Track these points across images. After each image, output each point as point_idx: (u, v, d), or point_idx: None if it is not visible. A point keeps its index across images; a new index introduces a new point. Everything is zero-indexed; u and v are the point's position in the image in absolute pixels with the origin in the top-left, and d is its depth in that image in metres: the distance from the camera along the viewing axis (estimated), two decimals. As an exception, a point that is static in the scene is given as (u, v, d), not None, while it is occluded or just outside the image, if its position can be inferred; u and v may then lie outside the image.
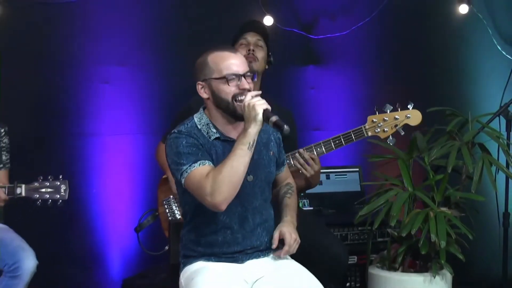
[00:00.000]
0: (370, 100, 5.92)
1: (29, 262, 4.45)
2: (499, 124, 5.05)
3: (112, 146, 5.61)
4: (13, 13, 5.27)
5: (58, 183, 4.43)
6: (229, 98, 3.75)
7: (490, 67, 6.20)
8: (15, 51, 5.29)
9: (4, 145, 4.75)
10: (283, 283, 3.84)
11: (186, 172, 3.70)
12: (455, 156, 4.90)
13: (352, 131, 4.60)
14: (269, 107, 3.64)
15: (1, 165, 4.75)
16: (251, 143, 3.63)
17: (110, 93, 5.58)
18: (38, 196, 4.43)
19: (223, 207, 3.65)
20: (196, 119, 3.87)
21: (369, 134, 4.57)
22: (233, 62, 3.79)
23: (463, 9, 6.16)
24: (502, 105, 5.02)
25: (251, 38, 4.70)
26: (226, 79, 3.75)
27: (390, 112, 4.54)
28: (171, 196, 5.03)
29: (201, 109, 3.93)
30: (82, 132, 5.53)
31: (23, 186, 4.44)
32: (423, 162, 5.04)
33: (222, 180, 3.60)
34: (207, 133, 3.82)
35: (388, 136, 4.56)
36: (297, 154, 4.42)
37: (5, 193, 4.44)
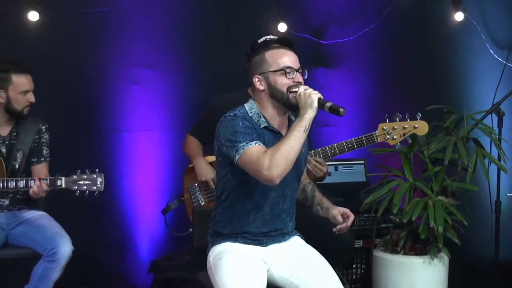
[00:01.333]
0: (374, 99, 5.94)
1: (65, 248, 4.45)
2: (492, 121, 5.06)
3: (141, 140, 5.63)
4: (52, 20, 5.29)
5: (95, 176, 4.45)
6: (284, 89, 3.80)
7: (483, 69, 6.20)
8: (55, 55, 5.32)
9: (45, 140, 4.78)
10: (298, 265, 3.88)
11: (243, 148, 3.71)
12: (451, 150, 4.94)
13: (364, 137, 4.61)
14: (322, 96, 3.73)
15: (42, 159, 4.77)
16: (307, 126, 3.69)
17: (139, 92, 5.60)
18: (76, 187, 4.45)
19: (278, 181, 3.67)
20: (247, 108, 3.91)
21: (379, 140, 4.58)
22: (288, 58, 3.86)
23: (459, 16, 6.17)
24: (494, 103, 5.03)
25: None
26: (284, 71, 3.80)
27: (399, 121, 4.54)
28: (196, 184, 5.04)
29: (250, 100, 3.96)
30: (115, 128, 5.55)
31: (63, 178, 4.47)
32: (423, 155, 5.07)
33: (281, 156, 3.63)
34: (257, 121, 3.85)
35: (397, 143, 4.58)
36: (309, 158, 4.44)
37: (46, 184, 4.46)
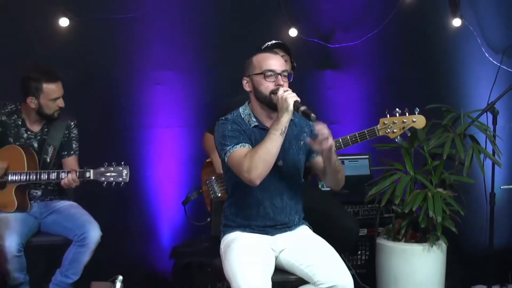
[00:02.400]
0: (377, 98, 5.93)
1: (94, 233, 4.50)
2: (487, 119, 5.05)
3: (163, 137, 5.64)
4: (81, 26, 5.32)
5: (121, 168, 4.47)
6: (267, 92, 3.81)
7: (479, 71, 6.18)
8: (84, 58, 5.34)
9: (74, 135, 4.81)
10: (306, 252, 3.88)
11: (229, 151, 3.78)
12: (449, 146, 4.94)
13: (367, 131, 4.61)
14: (298, 99, 3.69)
15: (72, 152, 4.81)
16: (283, 129, 3.68)
17: (162, 93, 5.61)
18: (104, 179, 4.47)
19: (258, 182, 3.69)
20: (241, 110, 3.96)
21: (380, 134, 4.58)
22: (271, 62, 3.87)
23: (457, 22, 6.16)
24: (489, 103, 5.02)
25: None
26: (264, 74, 3.81)
27: (399, 115, 4.54)
28: (213, 177, 5.07)
29: (246, 103, 4.00)
30: (139, 125, 5.57)
31: (91, 170, 4.49)
32: (423, 151, 5.07)
33: (258, 159, 3.66)
34: (248, 121, 3.89)
35: (397, 136, 4.58)
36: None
37: (76, 176, 4.49)
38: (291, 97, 3.69)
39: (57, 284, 4.52)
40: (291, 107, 3.69)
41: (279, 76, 3.84)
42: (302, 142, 4.00)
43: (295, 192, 4.02)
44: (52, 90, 4.58)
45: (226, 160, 3.82)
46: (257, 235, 3.95)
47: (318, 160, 4.00)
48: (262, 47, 4.76)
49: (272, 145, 3.69)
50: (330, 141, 3.67)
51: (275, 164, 3.81)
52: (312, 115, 3.61)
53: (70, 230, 4.54)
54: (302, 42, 5.76)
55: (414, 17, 6.05)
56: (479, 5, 6.23)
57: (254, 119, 3.91)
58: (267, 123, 3.90)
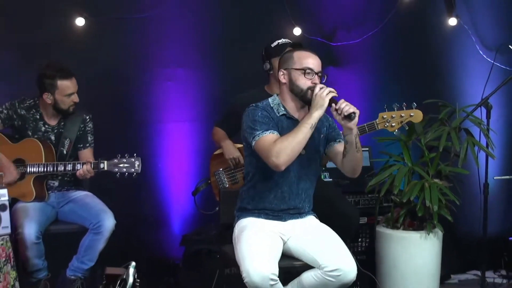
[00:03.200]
0: (377, 94, 5.92)
1: (109, 222, 4.49)
2: (481, 113, 5.05)
3: (173, 130, 5.64)
4: (96, 25, 5.31)
5: (133, 160, 4.47)
6: (304, 87, 3.87)
7: (473, 67, 6.18)
8: (99, 56, 5.34)
9: (89, 129, 4.81)
10: (312, 239, 3.92)
11: (258, 136, 3.82)
12: (445, 138, 4.95)
13: (366, 125, 4.62)
14: (336, 94, 3.78)
15: (87, 145, 4.81)
16: (313, 124, 3.77)
17: (172, 89, 5.60)
18: (117, 170, 4.47)
19: (283, 168, 3.76)
20: (270, 100, 4.00)
21: (379, 127, 4.58)
22: (312, 61, 3.91)
23: (452, 21, 6.15)
24: (483, 98, 5.01)
25: None
26: (304, 71, 3.83)
27: (397, 110, 4.54)
28: (221, 169, 5.06)
29: (275, 94, 4.05)
30: (151, 119, 5.57)
31: (105, 162, 4.49)
32: (420, 143, 5.08)
33: (287, 147, 3.72)
34: (277, 110, 3.94)
35: (395, 130, 4.57)
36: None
37: (91, 167, 4.49)
38: (328, 96, 3.76)
39: (73, 269, 4.53)
40: (325, 105, 3.76)
41: (315, 75, 3.88)
42: (322, 135, 4.04)
43: (311, 181, 4.08)
44: (66, 86, 4.58)
45: (253, 144, 3.85)
46: (269, 221, 3.97)
47: (336, 147, 4.05)
48: (272, 45, 4.76)
49: (302, 136, 3.76)
50: (351, 108, 3.73)
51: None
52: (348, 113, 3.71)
53: (86, 219, 4.55)
54: (305, 40, 5.74)
55: (412, 17, 6.04)
56: (474, 5, 6.24)
57: (283, 109, 3.96)
58: (295, 114, 3.98)
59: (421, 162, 5.11)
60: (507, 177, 5.52)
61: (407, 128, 4.67)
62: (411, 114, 4.53)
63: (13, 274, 4.01)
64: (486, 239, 5.05)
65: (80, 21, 5.25)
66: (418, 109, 4.57)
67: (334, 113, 3.78)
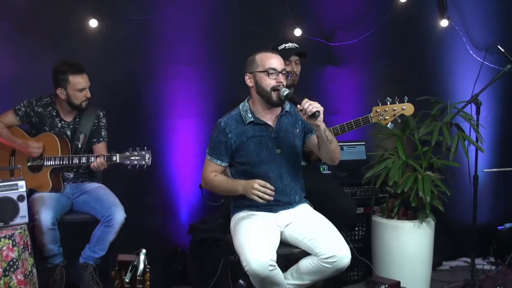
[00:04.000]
0: (373, 91, 5.92)
1: (119, 216, 4.52)
2: (471, 109, 5.05)
3: (181, 126, 5.63)
4: (108, 26, 5.31)
5: (144, 153, 4.49)
6: (269, 88, 3.84)
7: (464, 66, 6.18)
8: (111, 55, 5.34)
9: (102, 124, 4.84)
10: (307, 227, 3.93)
11: (207, 155, 4.07)
12: (437, 133, 4.96)
13: (361, 119, 4.62)
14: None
15: (101, 139, 4.83)
16: (235, 192, 3.98)
17: (180, 87, 5.60)
18: (128, 162, 4.50)
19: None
20: (240, 106, 4.02)
21: (373, 121, 4.58)
22: (273, 61, 3.90)
23: (444, 23, 6.16)
24: (473, 95, 5.01)
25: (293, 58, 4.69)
26: (267, 72, 3.81)
27: (390, 104, 4.54)
28: (226, 163, 5.08)
29: (246, 99, 4.03)
30: (161, 115, 5.57)
31: (118, 155, 4.51)
32: (413, 138, 5.08)
33: (213, 186, 4.09)
34: (245, 117, 3.95)
35: (388, 123, 4.57)
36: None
37: (104, 160, 4.51)
38: (252, 195, 3.82)
39: (85, 258, 4.56)
40: (250, 195, 3.84)
41: (280, 74, 3.86)
42: (297, 130, 4.03)
43: (295, 175, 4.06)
44: (78, 82, 4.60)
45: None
46: (262, 213, 3.99)
47: (313, 138, 4.02)
48: (279, 48, 4.76)
49: (223, 191, 4.07)
50: (314, 107, 3.70)
51: (275, 152, 3.91)
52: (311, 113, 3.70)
53: (98, 211, 4.58)
54: (306, 40, 5.75)
55: (406, 19, 6.05)
56: (464, 8, 6.24)
57: (250, 115, 3.96)
58: (263, 117, 3.98)
59: (415, 155, 5.12)
60: (496, 169, 5.52)
61: (399, 121, 4.67)
62: (403, 107, 4.54)
63: (31, 261, 4.03)
64: (475, 228, 5.06)
65: (93, 23, 5.25)
66: (411, 103, 4.57)
67: (300, 113, 3.76)
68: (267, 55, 3.92)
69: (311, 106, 3.68)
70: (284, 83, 3.90)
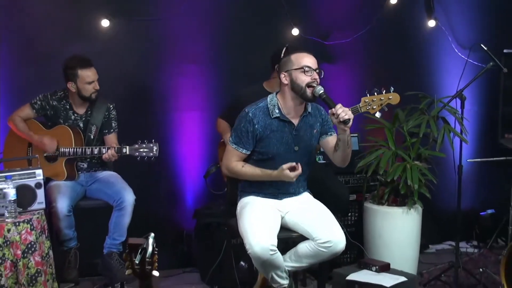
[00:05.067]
0: (365, 86, 5.75)
1: (129, 197, 4.53)
2: (456, 104, 5.04)
3: (187, 119, 5.63)
4: (119, 26, 5.30)
5: (152, 145, 4.47)
6: (303, 84, 3.84)
7: (450, 63, 6.16)
8: (122, 53, 5.34)
9: (113, 116, 4.83)
10: (306, 213, 3.94)
11: (230, 142, 3.96)
12: (425, 126, 4.97)
13: (351, 109, 4.58)
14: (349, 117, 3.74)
15: (112, 130, 4.83)
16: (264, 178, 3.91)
17: (185, 82, 5.59)
18: (137, 154, 4.48)
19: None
20: (268, 99, 3.98)
21: (362, 110, 4.56)
22: (308, 59, 3.90)
23: (431, 23, 6.13)
24: (458, 90, 5.00)
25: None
26: (303, 69, 3.80)
27: (377, 94, 4.52)
28: (228, 154, 5.07)
29: (274, 93, 4.03)
30: (167, 109, 5.57)
31: (127, 147, 4.50)
32: (403, 130, 5.08)
33: (238, 174, 3.99)
34: (272, 111, 3.91)
35: (376, 112, 4.55)
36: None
37: (115, 151, 4.51)
38: (293, 179, 3.81)
39: (108, 247, 4.55)
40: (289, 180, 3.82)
41: (314, 72, 3.86)
42: (315, 130, 4.03)
43: (306, 170, 4.06)
44: (86, 75, 4.60)
45: (229, 141, 4.00)
46: (267, 199, 3.99)
47: (328, 140, 4.04)
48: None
49: (251, 177, 3.96)
50: (347, 114, 3.70)
51: (293, 149, 3.93)
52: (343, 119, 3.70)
53: (110, 196, 4.58)
54: (302, 39, 5.74)
55: (396, 19, 6.02)
56: (450, 9, 6.21)
57: (277, 111, 3.93)
58: (290, 115, 3.95)
59: (404, 146, 5.11)
60: (479, 159, 5.52)
61: (386, 109, 4.62)
62: (390, 97, 4.50)
63: (47, 243, 4.03)
64: (460, 214, 5.05)
65: (105, 23, 5.24)
66: (396, 93, 4.55)
67: (331, 116, 3.74)
68: (302, 55, 3.92)
69: (345, 113, 3.68)
70: (318, 80, 3.89)
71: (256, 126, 3.90)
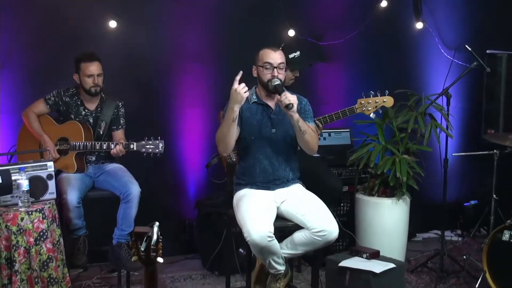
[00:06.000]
0: (357, 85, 5.88)
1: (135, 189, 4.52)
2: (442, 101, 5.05)
3: (189, 115, 5.63)
4: (126, 27, 5.30)
5: (157, 142, 4.46)
6: (265, 80, 3.92)
7: (436, 63, 6.18)
8: (129, 52, 5.33)
9: (121, 113, 4.81)
10: (300, 203, 3.93)
11: (221, 120, 3.97)
12: (413, 122, 4.98)
13: (347, 109, 4.60)
14: (276, 84, 3.87)
15: (120, 126, 4.82)
16: (234, 116, 3.81)
17: (188, 80, 5.59)
18: (144, 150, 4.48)
19: (224, 154, 4.06)
20: (250, 90, 3.94)
21: (358, 111, 4.57)
22: (271, 56, 3.92)
23: (419, 25, 6.15)
24: (444, 88, 5.00)
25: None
26: (263, 67, 3.86)
27: (372, 97, 4.52)
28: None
29: (254, 86, 4.09)
30: (172, 106, 5.57)
31: (135, 143, 4.50)
32: (392, 126, 5.09)
33: (218, 137, 3.93)
34: (250, 98, 3.99)
35: (371, 113, 4.55)
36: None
37: (123, 147, 4.50)
38: (244, 94, 3.75)
39: (117, 238, 4.54)
40: (243, 100, 3.77)
41: (275, 68, 3.86)
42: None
43: (288, 153, 4.08)
44: (87, 68, 4.59)
45: None
46: (261, 191, 3.98)
47: None
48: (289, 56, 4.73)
49: (226, 129, 3.84)
50: (288, 99, 3.76)
51: (270, 131, 3.98)
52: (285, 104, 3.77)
53: (117, 188, 4.57)
54: (298, 40, 5.73)
55: (386, 21, 6.03)
56: (437, 12, 6.24)
57: (255, 97, 4.02)
58: (266, 100, 4.03)
59: (393, 141, 5.12)
60: (463, 153, 5.52)
61: (380, 111, 4.66)
62: (384, 100, 4.52)
63: (58, 231, 4.03)
64: (445, 204, 5.06)
65: (112, 24, 5.23)
66: (390, 96, 4.56)
67: (280, 103, 3.84)
68: (267, 51, 3.96)
69: (286, 98, 3.76)
70: (281, 76, 3.91)
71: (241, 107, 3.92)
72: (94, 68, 4.60)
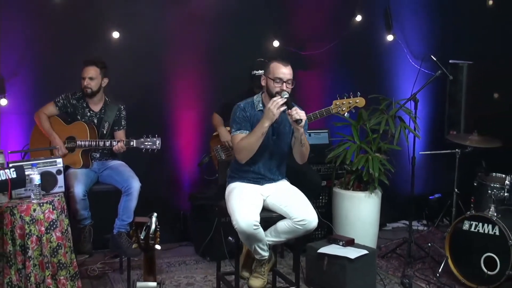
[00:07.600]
0: (334, 90, 5.78)
1: (136, 184, 4.51)
2: (410, 105, 5.07)
3: (185, 116, 5.61)
4: (128, 37, 5.29)
5: (155, 139, 4.46)
6: (273, 92, 3.83)
7: (405, 71, 6.21)
8: (130, 60, 5.31)
9: (123, 115, 4.81)
10: (284, 196, 3.94)
11: (233, 133, 3.87)
12: (384, 123, 5.01)
13: (324, 110, 4.60)
14: (284, 107, 3.73)
15: (121, 127, 4.81)
16: (264, 132, 3.74)
17: (184, 85, 5.58)
18: (143, 146, 4.47)
19: (243, 161, 3.88)
20: (255, 97, 3.97)
21: (333, 112, 4.57)
22: (282, 71, 3.83)
23: (390, 37, 6.18)
24: (412, 94, 5.03)
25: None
26: (274, 80, 3.80)
27: (346, 98, 4.53)
28: (218, 146, 5.07)
29: (260, 93, 4.03)
30: (169, 107, 5.57)
31: (134, 140, 4.49)
32: (366, 127, 5.12)
33: (244, 147, 3.80)
34: (257, 106, 3.92)
35: (345, 113, 4.56)
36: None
37: (124, 144, 4.49)
38: (278, 110, 3.70)
39: (117, 227, 4.53)
40: (275, 117, 3.72)
41: (284, 83, 3.83)
42: (289, 127, 4.01)
43: (281, 158, 4.06)
44: (83, 71, 4.64)
45: (232, 138, 3.94)
46: (251, 184, 3.99)
47: (293, 139, 4.01)
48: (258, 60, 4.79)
49: (254, 140, 3.78)
50: (298, 115, 3.70)
51: (271, 138, 3.92)
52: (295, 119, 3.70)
53: (119, 183, 4.56)
54: (282, 50, 5.74)
55: (361, 34, 6.06)
56: (406, 26, 6.27)
57: (261, 105, 3.94)
58: None
59: (366, 141, 5.13)
60: (429, 152, 5.55)
61: (354, 111, 4.63)
62: (357, 100, 4.51)
63: (66, 221, 4.02)
64: (412, 197, 5.09)
65: (116, 34, 5.22)
66: (362, 97, 4.56)
67: (288, 116, 3.77)
68: (278, 65, 3.85)
69: (297, 114, 3.70)
70: (288, 90, 3.85)
71: (248, 114, 3.92)
72: (87, 71, 4.62)
